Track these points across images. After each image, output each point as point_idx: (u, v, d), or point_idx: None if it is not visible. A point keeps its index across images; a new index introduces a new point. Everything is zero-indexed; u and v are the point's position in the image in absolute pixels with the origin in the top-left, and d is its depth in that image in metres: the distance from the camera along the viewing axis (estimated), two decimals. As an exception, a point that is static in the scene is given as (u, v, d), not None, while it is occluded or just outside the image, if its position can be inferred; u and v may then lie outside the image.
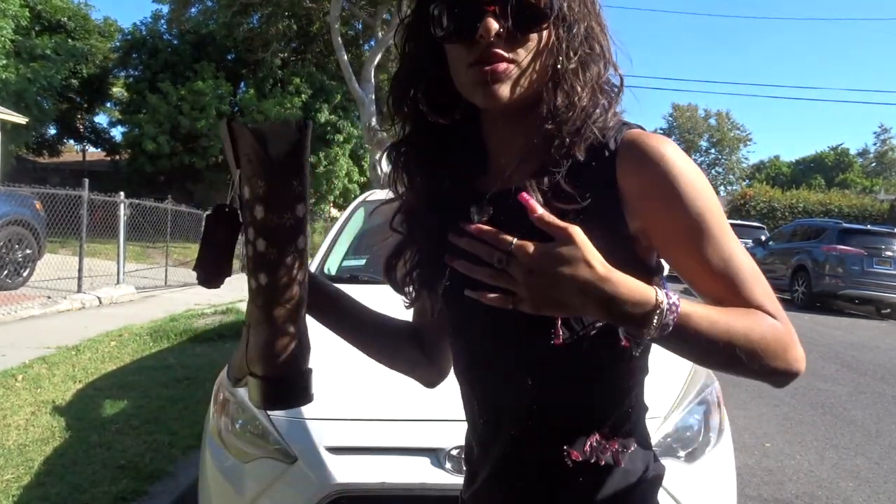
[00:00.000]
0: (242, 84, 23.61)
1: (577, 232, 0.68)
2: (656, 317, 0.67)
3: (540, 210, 0.69)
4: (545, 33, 0.78)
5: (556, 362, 0.80)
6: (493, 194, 0.82)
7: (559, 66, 0.79)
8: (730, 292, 0.75)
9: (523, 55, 0.78)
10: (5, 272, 7.85)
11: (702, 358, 0.76)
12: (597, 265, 0.67)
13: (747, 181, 51.51)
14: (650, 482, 0.86)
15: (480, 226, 0.71)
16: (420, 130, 0.87)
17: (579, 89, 0.79)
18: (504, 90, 0.77)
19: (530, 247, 0.67)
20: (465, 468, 0.97)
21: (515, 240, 0.68)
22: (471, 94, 0.80)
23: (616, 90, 0.84)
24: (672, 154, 0.77)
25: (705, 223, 0.76)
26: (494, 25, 0.75)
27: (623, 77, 0.85)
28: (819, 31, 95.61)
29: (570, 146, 0.79)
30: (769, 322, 0.73)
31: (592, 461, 0.81)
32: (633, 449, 0.84)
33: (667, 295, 0.69)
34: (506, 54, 0.77)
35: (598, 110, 0.80)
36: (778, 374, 0.74)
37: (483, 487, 0.89)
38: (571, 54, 0.79)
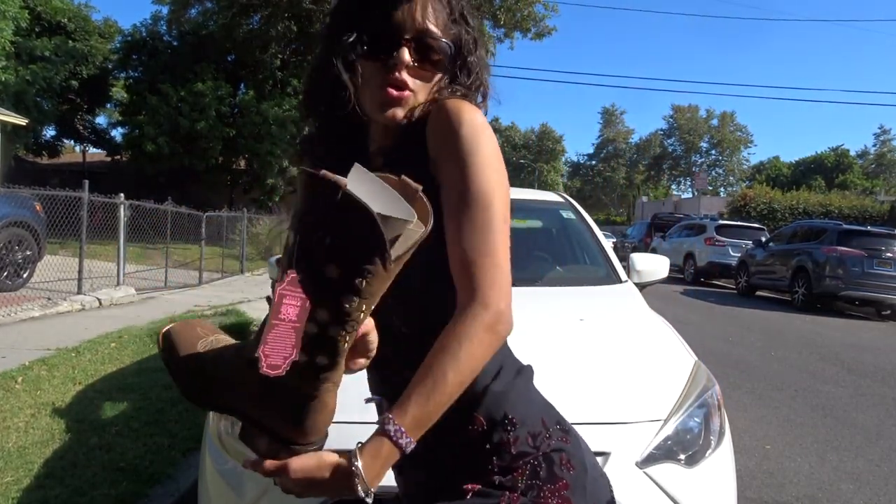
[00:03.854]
0: (242, 85, 23.62)
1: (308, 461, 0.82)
2: (397, 452, 0.79)
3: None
4: (437, 76, 0.97)
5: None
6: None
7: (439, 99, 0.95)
8: (461, 283, 0.85)
9: (419, 87, 0.95)
10: (5, 274, 7.84)
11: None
12: (328, 477, 0.81)
13: (747, 182, 51.56)
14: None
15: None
16: (327, 124, 1.02)
17: None
18: (399, 113, 0.94)
19: (283, 480, 0.81)
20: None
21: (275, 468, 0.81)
22: (373, 111, 0.95)
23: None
24: (467, 117, 0.88)
25: (477, 202, 0.85)
26: (407, 56, 0.92)
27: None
28: (819, 32, 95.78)
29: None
30: (458, 345, 0.80)
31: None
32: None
33: (386, 432, 0.79)
34: (409, 83, 0.93)
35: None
36: (494, 349, 0.84)
37: (406, 470, 1.02)
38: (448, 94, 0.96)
